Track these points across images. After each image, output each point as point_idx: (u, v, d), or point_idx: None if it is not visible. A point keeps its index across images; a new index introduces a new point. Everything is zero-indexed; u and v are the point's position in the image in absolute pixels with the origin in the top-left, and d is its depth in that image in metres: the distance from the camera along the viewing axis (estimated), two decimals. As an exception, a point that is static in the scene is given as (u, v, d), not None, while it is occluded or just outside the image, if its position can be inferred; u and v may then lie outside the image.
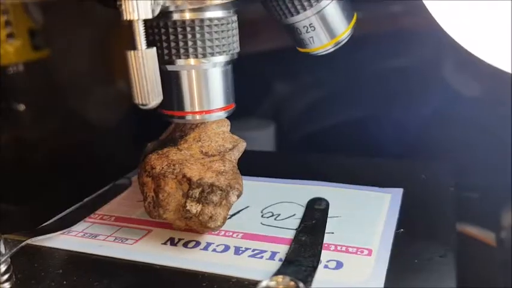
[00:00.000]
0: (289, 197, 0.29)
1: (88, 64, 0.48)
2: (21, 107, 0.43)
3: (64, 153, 0.42)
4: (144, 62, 0.20)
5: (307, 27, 0.25)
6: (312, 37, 0.26)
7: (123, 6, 0.19)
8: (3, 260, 0.21)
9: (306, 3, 0.25)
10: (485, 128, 0.36)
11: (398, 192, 0.28)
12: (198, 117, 0.24)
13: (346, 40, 0.26)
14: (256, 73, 0.42)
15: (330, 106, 0.44)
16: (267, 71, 0.44)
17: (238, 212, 0.27)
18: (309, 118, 0.45)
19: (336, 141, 0.41)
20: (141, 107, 0.21)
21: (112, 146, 0.46)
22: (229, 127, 0.27)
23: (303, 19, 0.25)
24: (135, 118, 0.46)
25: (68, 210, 0.29)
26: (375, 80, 0.41)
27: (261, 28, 0.36)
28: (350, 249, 0.23)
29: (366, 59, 0.39)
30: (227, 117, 0.26)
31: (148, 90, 0.20)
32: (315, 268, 0.21)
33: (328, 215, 0.26)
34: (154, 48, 0.20)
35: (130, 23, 0.19)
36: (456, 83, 0.39)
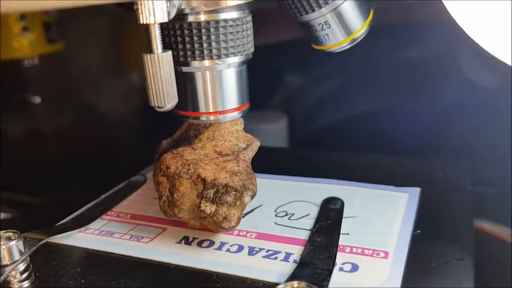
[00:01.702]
0: (303, 196, 0.29)
1: (102, 56, 0.48)
2: (37, 100, 0.43)
3: (79, 147, 0.43)
4: (160, 66, 0.20)
5: (323, 25, 0.25)
6: (327, 34, 0.25)
7: (140, 10, 0.19)
8: (22, 258, 0.22)
9: (321, 1, 0.24)
10: (502, 120, 0.35)
11: (416, 191, 0.28)
12: (212, 117, 0.24)
13: (362, 37, 0.26)
14: (268, 64, 0.42)
15: (344, 99, 0.43)
16: (279, 61, 0.44)
17: (252, 210, 0.28)
18: (323, 111, 0.44)
19: (351, 136, 0.41)
20: (157, 109, 0.21)
21: (126, 139, 0.46)
22: (242, 125, 0.27)
23: (318, 17, 0.25)
24: (149, 110, 0.45)
25: (84, 208, 0.29)
26: (390, 71, 0.40)
27: (273, 18, 0.36)
28: (366, 252, 0.23)
29: (381, 50, 0.39)
30: (241, 116, 0.26)
31: (164, 93, 0.21)
32: (330, 271, 0.21)
33: (344, 215, 0.26)
34: (170, 52, 0.21)
35: (146, 26, 0.19)
36: (473, 74, 0.38)
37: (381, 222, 0.25)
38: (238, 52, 0.23)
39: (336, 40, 0.26)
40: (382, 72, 0.40)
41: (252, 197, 0.24)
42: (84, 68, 0.46)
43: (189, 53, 0.23)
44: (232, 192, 0.23)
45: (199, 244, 0.25)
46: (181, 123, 0.28)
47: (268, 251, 0.24)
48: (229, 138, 0.26)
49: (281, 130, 0.44)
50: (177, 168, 0.24)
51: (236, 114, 0.25)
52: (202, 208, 0.23)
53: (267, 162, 0.29)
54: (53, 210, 0.30)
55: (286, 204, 0.28)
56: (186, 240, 0.25)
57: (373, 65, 0.40)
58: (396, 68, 0.40)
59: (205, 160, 0.25)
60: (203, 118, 0.24)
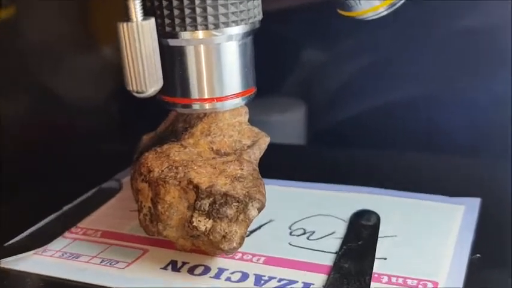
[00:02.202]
0: (327, 209, 0.29)
1: (66, 25, 0.48)
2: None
3: (35, 143, 0.43)
4: (139, 38, 0.20)
5: None
6: None
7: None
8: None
9: None
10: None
11: (475, 203, 0.28)
12: (207, 106, 0.24)
13: (403, 1, 0.26)
14: (280, 36, 0.42)
15: (376, 82, 0.43)
16: (295, 33, 0.43)
17: (260, 227, 0.28)
18: (349, 98, 0.44)
19: (386, 130, 0.40)
20: (136, 94, 0.21)
21: (96, 133, 0.46)
22: (247, 116, 0.27)
23: None
24: (125, 97, 0.46)
25: (42, 222, 0.29)
26: (437, 47, 0.40)
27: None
28: (409, 282, 0.23)
29: (424, 19, 0.38)
30: (246, 104, 0.26)
31: (145, 74, 0.20)
32: (361, 308, 0.21)
33: (379, 234, 0.26)
34: (153, 20, 0.21)
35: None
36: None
37: (428, 243, 0.25)
38: (241, 20, 0.23)
39: (369, 5, 0.26)
40: (426, 48, 0.40)
41: (260, 209, 0.24)
42: (42, 41, 0.46)
43: (177, 20, 0.22)
44: (234, 204, 0.23)
45: (191, 271, 0.25)
46: (168, 113, 0.28)
47: (280, 280, 0.24)
48: (230, 133, 0.26)
49: (297, 122, 0.44)
50: (162, 171, 0.24)
51: (239, 102, 0.25)
52: (194, 224, 0.23)
53: (279, 164, 0.29)
54: (1, 226, 0.30)
55: (303, 220, 0.28)
56: (174, 266, 0.25)
57: (414, 39, 0.40)
58: (444, 43, 0.39)
59: (198, 161, 0.25)
60: (196, 106, 0.24)
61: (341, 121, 0.43)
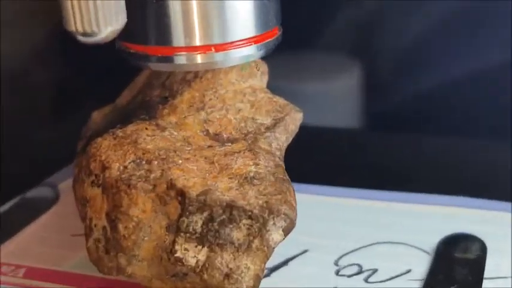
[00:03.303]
0: (394, 231, 0.29)
1: None
2: None
3: None
4: None
5: None
6: None
7: None
8: None
9: None
10: None
11: None
12: (200, 58, 0.25)
13: None
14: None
15: (457, 51, 0.44)
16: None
17: (287, 262, 0.28)
18: (419, 68, 0.45)
19: (466, 111, 0.42)
20: (83, 39, 0.22)
21: (19, 110, 0.46)
22: (266, 79, 0.27)
23: None
24: (62, 47, 0.46)
25: None
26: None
27: None
28: None
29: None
30: (263, 59, 0.26)
31: (96, 6, 0.21)
32: None
33: (485, 274, 0.26)
34: None
35: None
36: None
37: None
38: None
39: None
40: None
41: (287, 231, 0.24)
42: None
43: None
44: (244, 221, 0.23)
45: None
46: (134, 75, 0.29)
47: None
48: (238, 106, 0.26)
49: (344, 95, 0.45)
50: (125, 168, 0.25)
51: (252, 52, 0.25)
52: (178, 255, 0.23)
53: (316, 158, 0.29)
54: None
55: (358, 250, 0.28)
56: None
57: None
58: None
59: (184, 152, 0.25)
60: (181, 60, 0.25)
61: (407, 97, 0.45)
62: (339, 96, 0.45)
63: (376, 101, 0.46)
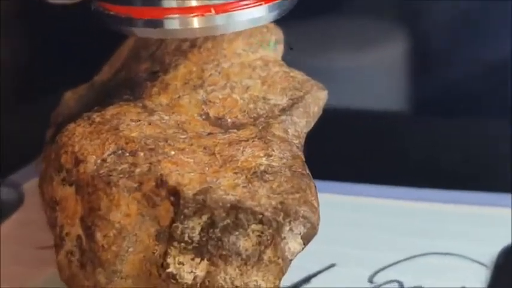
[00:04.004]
0: (443, 240, 0.29)
1: None
2: None
3: None
4: None
5: None
6: None
7: None
8: None
9: None
10: None
11: None
12: (197, 22, 0.24)
13: None
14: None
15: None
16: None
17: (309, 279, 0.28)
18: (473, 47, 0.46)
19: None
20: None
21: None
22: (281, 49, 0.28)
23: None
24: (23, 29, 0.46)
25: None
26: None
27: None
28: None
29: None
30: (277, 23, 0.27)
31: None
32: None
33: None
34: None
35: None
36: None
37: None
38: None
39: None
40: None
41: (307, 238, 0.24)
42: None
43: None
44: (253, 226, 0.23)
45: None
46: (115, 45, 0.29)
47: None
48: (245, 81, 0.26)
49: (384, 69, 0.45)
50: (104, 161, 0.25)
51: (262, 14, 0.25)
52: (170, 269, 0.23)
53: (347, 148, 0.29)
54: None
55: (397, 264, 0.28)
56: None
57: None
58: None
59: (178, 140, 0.25)
60: (173, 24, 0.25)
61: (462, 75, 0.45)
62: (375, 73, 0.45)
63: (423, 81, 0.46)
